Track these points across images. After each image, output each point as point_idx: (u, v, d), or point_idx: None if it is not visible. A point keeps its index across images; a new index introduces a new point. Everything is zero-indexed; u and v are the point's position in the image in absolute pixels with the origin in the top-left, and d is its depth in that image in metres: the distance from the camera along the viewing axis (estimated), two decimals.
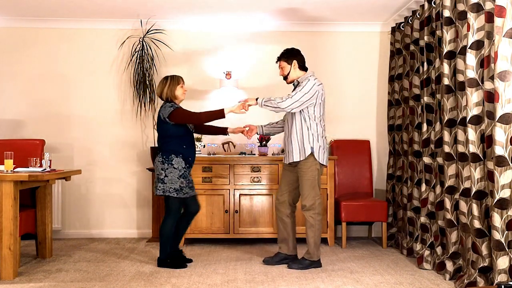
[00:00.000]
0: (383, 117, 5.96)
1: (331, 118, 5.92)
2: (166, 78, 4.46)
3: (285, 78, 4.46)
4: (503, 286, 2.85)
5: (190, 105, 5.89)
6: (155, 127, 4.42)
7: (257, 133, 4.66)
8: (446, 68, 4.12)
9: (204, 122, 4.37)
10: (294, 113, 4.32)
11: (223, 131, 4.69)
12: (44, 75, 5.88)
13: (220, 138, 5.80)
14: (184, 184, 4.35)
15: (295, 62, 4.38)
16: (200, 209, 4.65)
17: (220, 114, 4.35)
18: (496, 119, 3.46)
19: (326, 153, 4.40)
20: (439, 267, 4.21)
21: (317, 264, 4.40)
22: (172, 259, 4.43)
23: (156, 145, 5.74)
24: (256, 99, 4.39)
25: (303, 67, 4.42)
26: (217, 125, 4.77)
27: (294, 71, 4.40)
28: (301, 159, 4.31)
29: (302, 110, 4.29)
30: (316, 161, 4.32)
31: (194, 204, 4.51)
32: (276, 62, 4.50)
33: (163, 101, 4.47)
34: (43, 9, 5.46)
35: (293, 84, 4.44)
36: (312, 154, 4.29)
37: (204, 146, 5.58)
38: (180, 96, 4.45)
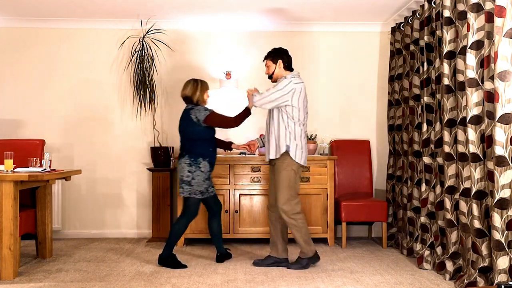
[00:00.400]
0: (383, 117, 5.96)
1: (331, 118, 5.93)
2: (196, 81, 4.55)
3: (270, 77, 4.49)
4: (503, 286, 2.85)
5: None
6: (182, 128, 4.47)
7: (259, 146, 4.75)
8: (446, 68, 4.12)
9: (238, 125, 4.50)
10: (273, 111, 4.35)
11: (227, 145, 4.80)
12: (44, 75, 5.88)
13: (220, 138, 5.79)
14: (208, 185, 4.48)
15: (280, 61, 4.42)
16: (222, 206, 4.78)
17: (247, 112, 4.48)
18: (496, 119, 3.46)
19: (304, 153, 4.34)
20: (439, 267, 4.21)
21: (314, 258, 4.40)
22: (220, 257, 4.60)
23: (156, 145, 5.76)
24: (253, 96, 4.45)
25: (288, 67, 4.45)
26: (222, 138, 4.96)
27: (279, 70, 4.43)
28: (276, 157, 4.32)
29: (281, 109, 4.29)
30: (293, 161, 4.28)
31: (216, 203, 4.62)
32: (263, 60, 4.54)
33: (189, 103, 4.52)
34: (43, 9, 5.46)
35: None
36: (287, 152, 4.27)
37: None
38: (206, 101, 4.59)
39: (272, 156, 4.35)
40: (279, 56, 4.42)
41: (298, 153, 4.29)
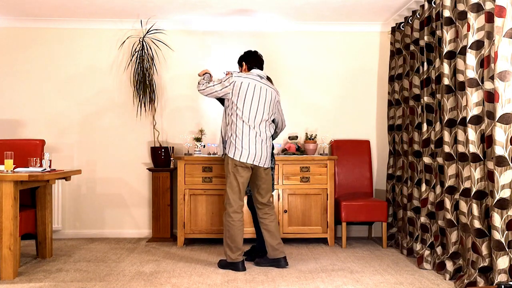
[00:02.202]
0: (383, 117, 5.96)
1: (331, 118, 5.93)
2: None
3: None
4: (503, 286, 2.86)
5: (190, 105, 5.90)
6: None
7: None
8: (446, 68, 4.12)
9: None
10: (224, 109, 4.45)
11: None
12: (44, 75, 5.88)
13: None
14: None
15: (243, 63, 4.57)
16: None
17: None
18: (496, 119, 3.46)
19: (240, 150, 4.25)
20: (439, 267, 4.21)
21: (233, 267, 4.30)
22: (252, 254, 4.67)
23: (156, 145, 5.76)
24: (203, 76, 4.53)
25: (250, 68, 4.53)
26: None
27: (244, 72, 4.55)
28: (220, 154, 4.45)
29: (225, 106, 4.38)
30: (230, 158, 4.29)
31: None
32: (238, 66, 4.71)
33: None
34: (43, 9, 5.46)
35: None
36: (225, 152, 4.33)
37: (204, 146, 5.57)
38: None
39: (220, 153, 4.48)
40: (242, 59, 4.59)
41: (232, 149, 4.28)
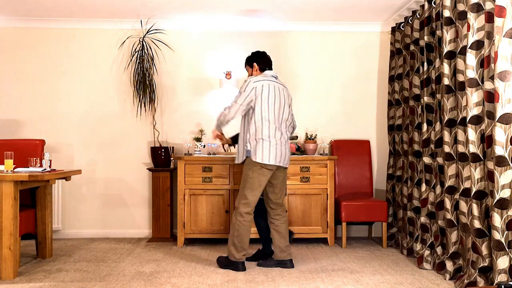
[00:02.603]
0: (383, 117, 5.96)
1: (332, 118, 5.93)
2: None
3: None
4: (503, 286, 2.86)
5: (190, 105, 5.90)
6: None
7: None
8: (446, 68, 4.12)
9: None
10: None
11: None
12: (44, 75, 5.87)
13: None
14: None
15: (255, 64, 4.52)
16: None
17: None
18: (496, 119, 3.46)
19: (264, 152, 4.24)
20: (439, 267, 4.21)
21: (234, 267, 4.30)
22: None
23: (156, 145, 5.76)
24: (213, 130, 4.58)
25: (263, 69, 4.50)
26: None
27: (255, 73, 4.51)
28: (239, 161, 4.39)
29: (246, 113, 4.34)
30: (252, 161, 4.27)
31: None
32: (245, 67, 4.65)
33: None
34: (43, 9, 5.46)
35: None
36: (249, 155, 4.28)
37: (204, 146, 5.57)
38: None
39: (236, 161, 4.43)
40: (253, 59, 4.53)
41: (259, 153, 4.25)
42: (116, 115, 5.88)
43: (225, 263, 4.37)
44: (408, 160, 5.07)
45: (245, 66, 4.63)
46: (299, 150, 5.60)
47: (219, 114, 4.44)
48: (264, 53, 4.55)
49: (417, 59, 4.91)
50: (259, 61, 4.51)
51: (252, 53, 4.59)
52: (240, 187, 4.33)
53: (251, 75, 4.53)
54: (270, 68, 4.51)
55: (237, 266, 4.29)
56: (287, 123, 4.44)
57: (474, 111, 3.73)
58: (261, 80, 4.33)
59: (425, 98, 4.60)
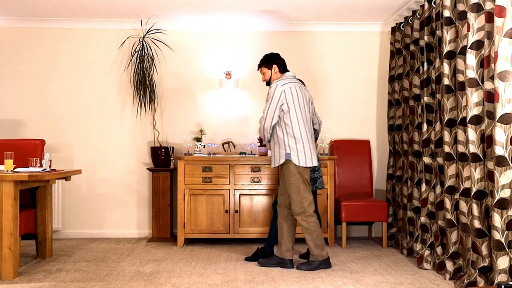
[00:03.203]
0: (383, 117, 5.96)
1: (332, 118, 5.93)
2: None
3: (268, 83, 4.53)
4: (503, 286, 2.86)
5: (190, 105, 5.90)
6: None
7: None
8: (446, 68, 4.12)
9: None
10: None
11: None
12: (44, 75, 5.88)
13: (220, 138, 5.82)
14: None
15: (274, 66, 4.47)
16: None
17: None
18: (496, 119, 3.46)
19: (306, 154, 4.29)
20: (439, 267, 4.21)
21: (325, 264, 4.34)
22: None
23: (156, 145, 5.76)
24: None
25: (283, 70, 4.48)
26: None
27: (275, 75, 4.47)
28: (276, 165, 4.37)
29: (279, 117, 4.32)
30: (295, 165, 4.28)
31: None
32: (258, 69, 4.58)
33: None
34: (43, 9, 5.46)
35: None
36: (289, 159, 4.27)
37: (204, 146, 5.57)
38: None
39: (272, 165, 4.40)
40: (272, 61, 4.47)
41: (301, 156, 4.28)
42: (116, 115, 5.88)
43: (315, 265, 4.33)
44: (408, 160, 5.07)
45: (260, 68, 4.54)
46: None
47: (259, 130, 4.42)
48: (278, 54, 4.52)
49: (417, 59, 4.91)
50: (278, 62, 4.47)
51: (268, 55, 4.52)
52: (292, 193, 4.29)
53: (270, 78, 4.48)
54: (287, 70, 4.51)
55: (327, 264, 4.35)
56: (312, 122, 4.49)
57: (474, 111, 3.73)
58: (287, 82, 4.32)
59: (425, 98, 4.60)
